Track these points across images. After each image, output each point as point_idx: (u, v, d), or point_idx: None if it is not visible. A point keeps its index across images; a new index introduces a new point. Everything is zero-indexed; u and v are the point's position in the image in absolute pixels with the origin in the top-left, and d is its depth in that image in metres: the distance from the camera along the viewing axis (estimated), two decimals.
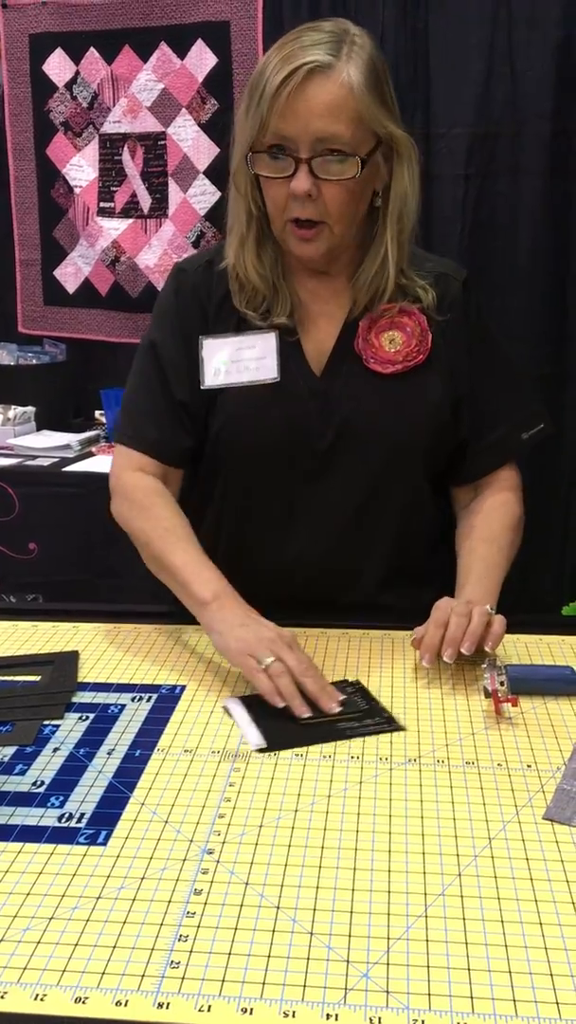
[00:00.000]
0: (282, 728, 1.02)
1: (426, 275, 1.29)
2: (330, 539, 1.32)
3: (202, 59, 2.67)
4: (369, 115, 1.15)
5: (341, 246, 1.23)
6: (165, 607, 1.33)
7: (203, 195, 2.74)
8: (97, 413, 2.92)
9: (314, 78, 1.12)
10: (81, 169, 2.85)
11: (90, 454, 2.67)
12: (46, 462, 2.61)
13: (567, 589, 2.59)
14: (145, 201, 2.79)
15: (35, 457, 2.64)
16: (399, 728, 1.01)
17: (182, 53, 2.68)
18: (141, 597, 2.40)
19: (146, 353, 1.34)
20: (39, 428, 2.83)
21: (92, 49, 2.75)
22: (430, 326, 1.27)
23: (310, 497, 1.30)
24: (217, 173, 2.71)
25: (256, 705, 1.06)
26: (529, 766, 0.95)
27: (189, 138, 2.72)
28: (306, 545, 1.32)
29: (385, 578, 1.33)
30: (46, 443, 2.71)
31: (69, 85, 2.80)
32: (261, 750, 0.99)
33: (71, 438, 2.73)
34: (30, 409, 2.81)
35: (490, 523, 1.32)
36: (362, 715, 1.04)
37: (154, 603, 1.38)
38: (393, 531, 1.32)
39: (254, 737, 1.01)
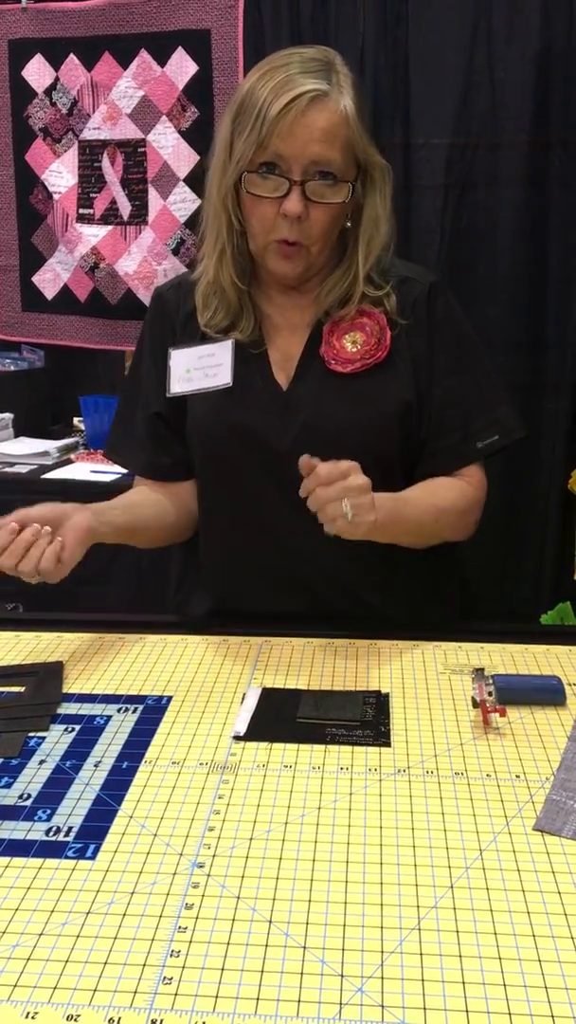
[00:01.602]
0: (271, 724, 1.04)
1: (390, 279, 1.32)
2: (307, 543, 1.31)
3: (182, 67, 2.66)
4: (358, 143, 1.21)
5: (316, 266, 1.28)
6: (150, 617, 1.33)
7: (183, 202, 2.74)
8: (76, 420, 2.91)
9: (315, 104, 1.16)
10: (60, 175, 2.84)
11: (69, 461, 2.66)
12: (24, 469, 2.59)
13: (545, 598, 2.60)
14: (125, 208, 2.78)
15: (13, 464, 2.62)
16: (384, 744, 1.01)
17: (162, 60, 2.67)
18: (120, 605, 2.40)
19: (128, 375, 1.44)
20: (17, 435, 2.81)
21: (72, 55, 2.74)
22: (391, 326, 1.29)
23: (282, 502, 1.30)
24: (197, 181, 2.70)
25: (267, 699, 1.10)
26: (518, 776, 0.95)
27: (169, 145, 2.72)
28: (284, 549, 1.32)
29: (365, 582, 1.33)
30: (24, 450, 2.69)
31: (48, 91, 2.79)
32: (237, 737, 1.02)
33: (49, 445, 2.71)
34: (8, 416, 2.80)
35: (438, 487, 1.31)
36: (359, 724, 1.04)
37: (138, 613, 1.38)
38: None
39: (238, 725, 1.04)
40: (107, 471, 2.54)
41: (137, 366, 1.41)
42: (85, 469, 2.57)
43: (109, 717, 1.07)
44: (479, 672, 1.08)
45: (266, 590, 1.33)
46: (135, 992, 0.69)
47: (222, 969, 0.71)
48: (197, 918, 0.76)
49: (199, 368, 1.31)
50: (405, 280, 1.33)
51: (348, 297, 1.29)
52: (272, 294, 1.33)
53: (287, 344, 1.32)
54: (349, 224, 1.27)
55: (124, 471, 2.54)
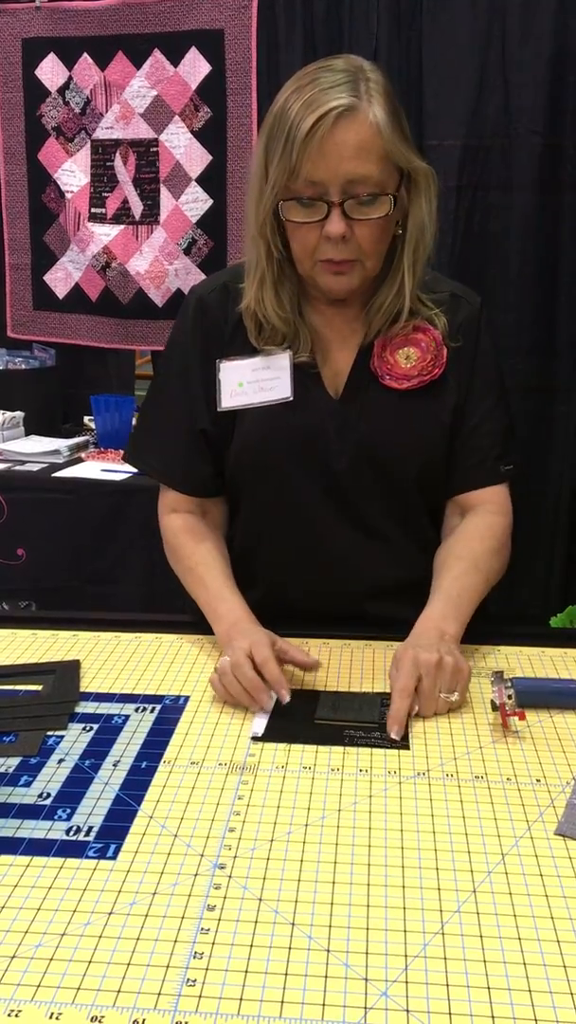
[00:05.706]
0: (289, 725, 1.05)
1: (439, 299, 1.29)
2: (352, 554, 1.31)
3: (196, 67, 2.66)
4: (395, 152, 1.16)
5: (371, 278, 1.24)
6: (166, 616, 1.33)
7: (195, 202, 2.74)
8: (86, 419, 2.90)
9: (342, 121, 1.12)
10: (73, 174, 2.84)
11: (79, 459, 2.66)
12: (35, 467, 2.59)
13: (554, 601, 2.60)
14: (137, 207, 2.78)
15: (24, 462, 2.62)
16: (403, 746, 1.01)
17: (176, 60, 2.67)
18: (131, 603, 2.40)
19: (161, 382, 1.39)
20: (28, 433, 2.80)
21: (85, 55, 2.74)
22: (444, 342, 1.27)
23: (330, 514, 1.30)
24: (210, 181, 2.71)
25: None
26: (538, 780, 0.94)
27: (182, 145, 2.72)
28: (327, 560, 1.31)
29: (407, 590, 1.31)
30: (35, 448, 2.69)
31: (62, 90, 2.79)
32: (255, 738, 1.02)
33: (60, 443, 2.71)
34: (19, 414, 2.79)
35: (471, 543, 1.29)
36: (377, 727, 1.04)
37: (153, 612, 1.37)
38: (415, 545, 1.32)
39: (256, 726, 1.04)
40: (117, 470, 2.53)
41: (176, 375, 1.34)
42: (95, 468, 2.57)
43: (127, 716, 1.07)
44: (498, 675, 1.08)
45: (308, 599, 1.33)
46: (159, 994, 0.69)
47: (246, 971, 0.70)
48: (220, 920, 0.76)
49: (253, 382, 1.27)
50: (455, 300, 1.31)
51: (397, 313, 1.26)
52: (321, 308, 1.30)
53: (336, 358, 1.29)
54: (399, 231, 1.23)
55: (134, 471, 2.56)
